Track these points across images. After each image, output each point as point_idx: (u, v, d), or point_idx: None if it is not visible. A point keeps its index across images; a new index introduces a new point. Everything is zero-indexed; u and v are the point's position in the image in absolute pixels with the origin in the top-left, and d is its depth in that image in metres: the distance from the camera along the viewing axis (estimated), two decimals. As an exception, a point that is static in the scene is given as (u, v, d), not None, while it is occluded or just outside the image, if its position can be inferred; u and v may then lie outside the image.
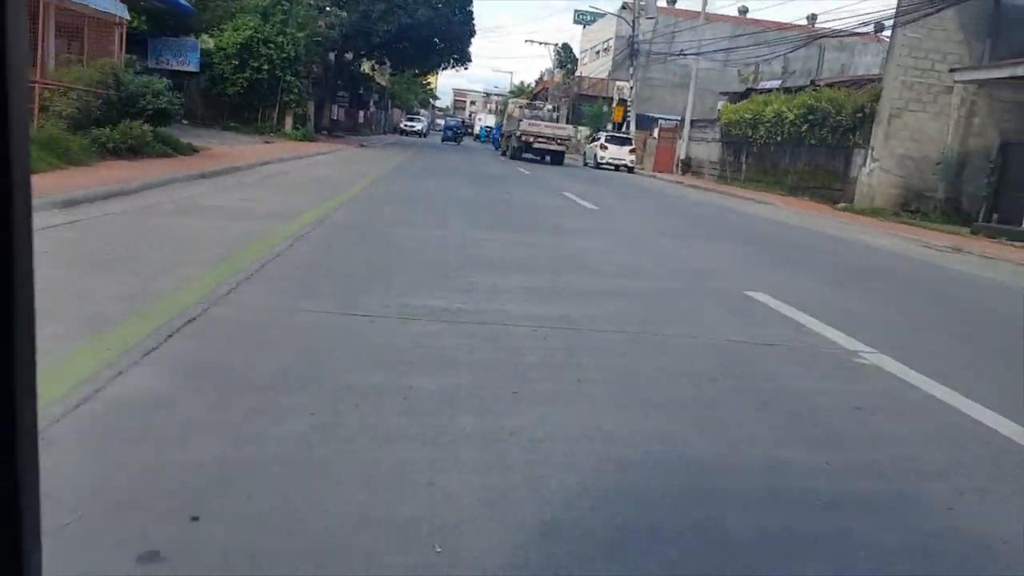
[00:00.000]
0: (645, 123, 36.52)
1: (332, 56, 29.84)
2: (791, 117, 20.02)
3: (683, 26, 38.76)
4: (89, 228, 5.41)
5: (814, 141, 19.42)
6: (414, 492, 1.92)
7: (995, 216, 15.61)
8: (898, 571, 1.82)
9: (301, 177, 11.90)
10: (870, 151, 17.21)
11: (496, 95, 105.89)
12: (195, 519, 1.69)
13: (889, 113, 17.05)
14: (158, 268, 4.26)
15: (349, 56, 31.65)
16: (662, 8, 44.54)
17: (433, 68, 37.32)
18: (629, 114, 36.10)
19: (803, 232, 11.60)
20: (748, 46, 30.75)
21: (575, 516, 1.88)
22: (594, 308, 4.33)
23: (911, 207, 17.13)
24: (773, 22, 39.47)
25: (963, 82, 15.84)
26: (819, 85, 20.80)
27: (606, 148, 29.30)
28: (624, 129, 34.66)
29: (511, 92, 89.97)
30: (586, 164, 31.43)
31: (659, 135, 34.26)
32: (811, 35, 23.99)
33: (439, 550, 1.66)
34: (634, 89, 35.95)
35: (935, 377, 3.47)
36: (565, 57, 72.86)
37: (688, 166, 28.91)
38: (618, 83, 43.45)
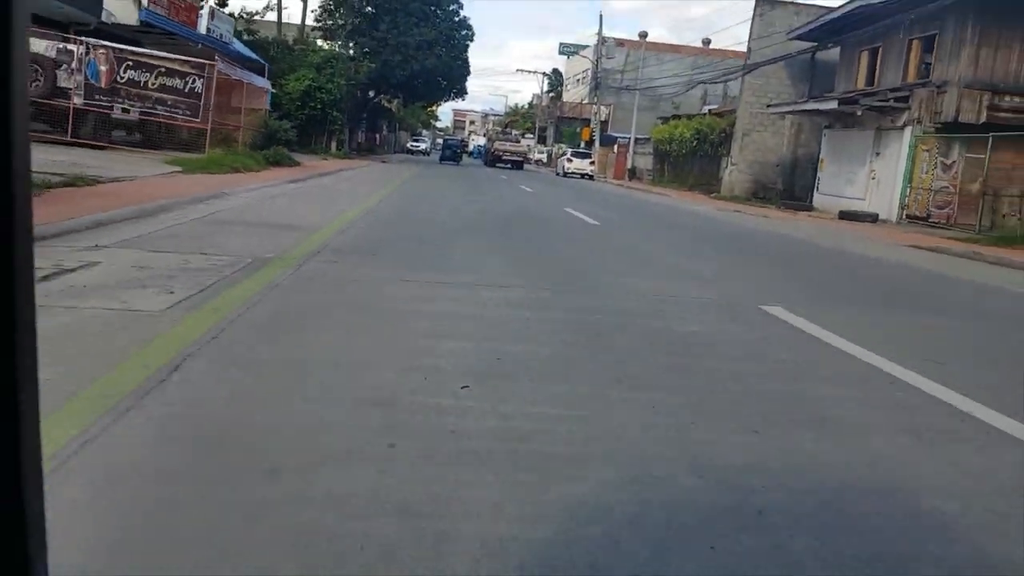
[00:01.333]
0: (609, 141, 45.40)
1: (359, 93, 38.68)
2: (688, 136, 28.71)
3: (651, 59, 47.64)
4: (312, 190, 13.98)
5: (702, 153, 28.10)
6: (440, 220, 10.56)
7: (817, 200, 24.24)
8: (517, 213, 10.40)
9: (366, 178, 20.53)
10: (730, 158, 25.83)
11: (493, 115, 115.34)
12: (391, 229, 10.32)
13: (742, 133, 25.68)
14: (349, 200, 12.83)
15: (372, 94, 40.53)
16: (634, 41, 53.58)
17: (437, 101, 46.27)
18: (595, 134, 44.97)
19: (649, 203, 20.13)
20: (690, 75, 39.58)
21: (479, 221, 10.51)
22: (501, 209, 12.96)
23: (759, 195, 25.71)
24: (733, 51, 47.93)
25: (780, 113, 24.44)
26: (707, 114, 29.49)
27: (571, 161, 38.10)
28: (589, 146, 43.54)
29: (506, 113, 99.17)
30: (557, 174, 40.10)
31: (617, 150, 43.08)
32: (703, 80, 32.67)
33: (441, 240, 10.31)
34: (597, 114, 44.82)
35: (594, 219, 12.04)
36: (556, 81, 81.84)
37: (633, 173, 37.62)
38: (593, 108, 52.35)
